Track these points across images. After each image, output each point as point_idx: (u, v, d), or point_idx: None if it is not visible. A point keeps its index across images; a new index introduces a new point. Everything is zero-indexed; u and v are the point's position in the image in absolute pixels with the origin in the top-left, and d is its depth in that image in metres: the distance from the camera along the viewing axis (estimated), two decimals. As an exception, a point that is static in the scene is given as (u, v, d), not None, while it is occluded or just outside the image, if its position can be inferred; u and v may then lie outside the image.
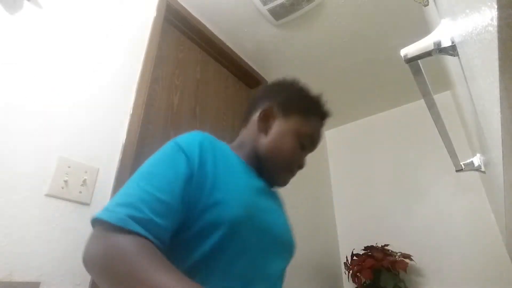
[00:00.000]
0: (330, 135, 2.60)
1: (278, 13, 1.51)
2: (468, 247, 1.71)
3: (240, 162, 0.69)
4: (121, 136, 1.03)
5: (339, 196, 2.34)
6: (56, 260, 0.76)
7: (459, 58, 0.47)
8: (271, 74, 1.97)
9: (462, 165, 0.84)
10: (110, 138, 0.99)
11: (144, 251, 0.45)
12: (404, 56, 0.49)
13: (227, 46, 1.71)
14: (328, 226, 2.17)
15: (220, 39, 1.66)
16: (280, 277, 0.67)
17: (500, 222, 1.26)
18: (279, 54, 1.81)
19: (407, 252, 1.72)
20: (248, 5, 1.50)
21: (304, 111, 0.75)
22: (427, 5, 0.89)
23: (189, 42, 1.55)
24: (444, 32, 0.46)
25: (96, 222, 0.51)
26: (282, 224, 0.71)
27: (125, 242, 0.46)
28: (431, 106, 0.59)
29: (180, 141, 0.60)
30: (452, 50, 0.45)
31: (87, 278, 0.81)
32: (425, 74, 0.53)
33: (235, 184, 0.61)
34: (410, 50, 0.48)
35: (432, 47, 0.46)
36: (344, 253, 1.98)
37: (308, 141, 0.75)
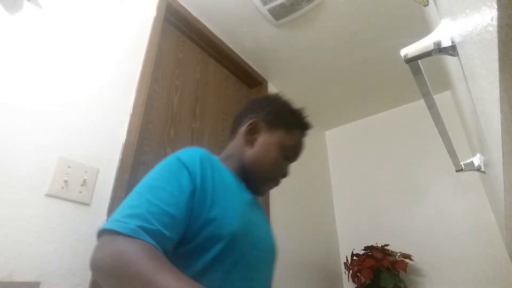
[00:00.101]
0: (330, 135, 2.61)
1: (278, 13, 1.51)
2: (468, 247, 1.71)
3: (232, 177, 0.73)
4: (121, 136, 1.03)
5: (339, 196, 2.34)
6: (56, 260, 0.76)
7: (459, 58, 0.47)
8: (271, 74, 1.97)
9: (462, 165, 0.84)
10: (110, 138, 0.99)
11: (153, 256, 0.47)
12: (404, 56, 0.49)
13: (227, 46, 1.71)
14: (328, 226, 2.17)
15: (220, 39, 1.66)
16: (269, 285, 0.71)
17: (500, 222, 1.26)
18: (279, 54, 1.81)
19: (407, 252, 1.72)
20: (248, 5, 1.50)
21: (287, 124, 0.80)
22: (427, 5, 0.89)
23: (189, 42, 1.55)
24: (444, 32, 0.46)
25: (105, 232, 0.52)
26: (268, 235, 0.75)
27: (135, 247, 0.48)
28: (431, 106, 0.59)
29: (181, 157, 0.64)
30: (452, 50, 0.45)
31: (87, 278, 0.81)
32: (425, 74, 0.53)
33: (231, 200, 0.66)
34: (410, 50, 0.48)
35: (432, 47, 0.46)
36: (344, 253, 1.98)
37: (291, 152, 0.80)
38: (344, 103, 2.31)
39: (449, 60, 0.90)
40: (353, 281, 1.75)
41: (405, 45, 0.49)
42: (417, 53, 0.47)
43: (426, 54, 0.47)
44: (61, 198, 0.81)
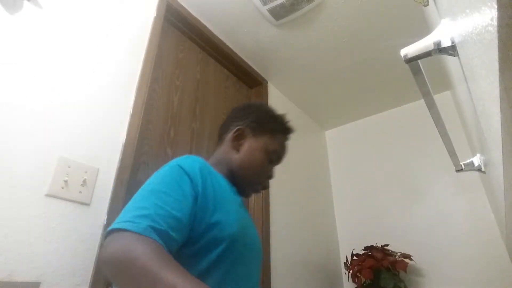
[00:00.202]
0: (330, 135, 2.61)
1: (278, 13, 1.51)
2: (468, 247, 1.71)
3: (225, 182, 0.77)
4: (121, 136, 1.03)
5: (339, 196, 2.34)
6: (56, 260, 0.77)
7: (459, 58, 0.47)
8: (271, 74, 1.97)
9: (462, 165, 0.84)
10: (110, 138, 0.99)
11: (161, 253, 0.50)
12: (404, 56, 0.49)
13: (227, 46, 1.71)
14: (328, 226, 2.17)
15: (220, 39, 1.66)
16: (258, 282, 0.76)
17: (500, 222, 1.26)
18: (279, 54, 1.81)
19: (407, 252, 1.72)
20: (248, 5, 1.50)
21: (271, 130, 0.87)
22: (427, 5, 0.89)
23: (189, 42, 1.55)
24: (444, 32, 0.46)
25: (115, 230, 0.54)
26: (256, 234, 0.80)
27: (145, 244, 0.50)
28: (431, 106, 0.59)
29: (182, 165, 0.67)
30: (452, 50, 0.45)
31: (87, 278, 0.81)
32: (425, 74, 0.53)
33: (229, 204, 0.71)
34: (410, 50, 0.48)
35: (432, 47, 0.46)
36: (344, 253, 1.98)
37: (276, 156, 0.86)
38: (344, 103, 2.30)
39: (449, 60, 0.90)
40: (353, 281, 1.75)
41: (405, 45, 0.49)
42: (417, 53, 0.47)
43: (426, 54, 0.47)
44: (61, 198, 0.81)
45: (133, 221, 0.53)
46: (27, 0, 0.87)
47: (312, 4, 1.46)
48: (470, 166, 0.86)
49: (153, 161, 1.17)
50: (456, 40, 0.43)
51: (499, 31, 0.19)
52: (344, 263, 1.87)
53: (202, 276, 0.59)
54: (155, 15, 1.29)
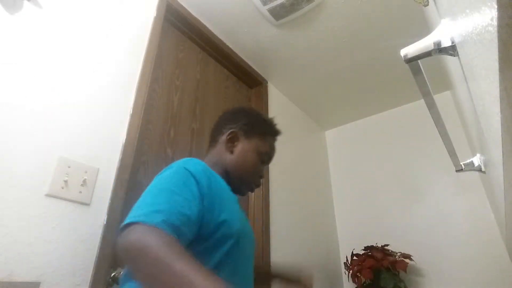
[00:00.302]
0: (330, 135, 2.61)
1: (278, 13, 1.51)
2: (468, 247, 1.71)
3: (224, 182, 0.81)
4: (121, 136, 1.03)
5: (339, 196, 2.34)
6: (56, 260, 0.77)
7: (459, 58, 0.47)
8: (271, 74, 1.97)
9: (462, 165, 0.84)
10: (110, 138, 0.99)
11: (175, 245, 0.52)
12: (404, 56, 0.49)
13: (227, 46, 1.71)
14: (328, 226, 2.17)
15: (220, 39, 1.66)
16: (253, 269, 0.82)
17: (500, 222, 1.26)
18: (279, 54, 1.81)
19: (407, 252, 1.72)
20: (248, 5, 1.50)
21: (262, 133, 0.92)
22: (427, 5, 0.89)
23: (189, 42, 1.55)
24: (444, 32, 0.46)
25: (131, 224, 0.55)
26: (251, 229, 0.85)
27: (160, 236, 0.52)
28: (431, 106, 0.59)
29: (188, 167, 0.70)
30: (452, 50, 0.45)
31: (87, 278, 0.81)
32: (425, 74, 0.53)
33: (230, 203, 0.75)
34: (410, 50, 0.48)
35: (432, 47, 0.46)
36: (344, 253, 1.98)
37: (266, 156, 0.92)
38: (344, 103, 2.30)
39: (449, 60, 0.90)
40: (353, 281, 1.75)
41: (405, 45, 0.49)
42: (417, 53, 0.47)
43: (426, 54, 0.47)
44: (61, 198, 0.81)
45: (148, 215, 0.56)
46: (27, 0, 0.87)
47: (312, 4, 1.46)
48: (470, 166, 0.86)
49: (153, 161, 1.17)
50: (456, 40, 0.43)
51: (499, 31, 0.19)
52: (344, 263, 1.87)
53: (214, 268, 0.63)
54: (155, 15, 1.29)
